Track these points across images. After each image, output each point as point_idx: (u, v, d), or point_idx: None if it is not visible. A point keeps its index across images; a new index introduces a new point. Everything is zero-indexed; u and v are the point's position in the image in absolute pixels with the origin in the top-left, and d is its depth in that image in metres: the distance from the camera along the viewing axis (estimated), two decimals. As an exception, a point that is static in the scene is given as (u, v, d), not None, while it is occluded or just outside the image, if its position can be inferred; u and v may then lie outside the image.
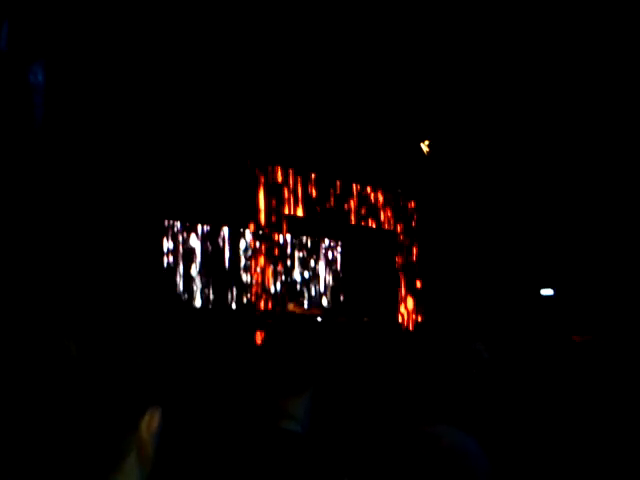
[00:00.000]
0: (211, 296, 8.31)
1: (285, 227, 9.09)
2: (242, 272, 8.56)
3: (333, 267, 10.28)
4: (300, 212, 9.36)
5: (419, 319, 10.76)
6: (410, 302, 10.82)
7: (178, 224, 7.91)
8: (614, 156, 9.68)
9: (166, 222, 7.79)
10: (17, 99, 6.22)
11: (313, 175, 9.57)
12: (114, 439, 0.91)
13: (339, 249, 10.38)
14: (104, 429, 0.90)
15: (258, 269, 8.63)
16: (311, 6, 7.41)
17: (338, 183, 9.94)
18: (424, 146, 10.56)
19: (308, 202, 9.49)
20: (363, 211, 10.35)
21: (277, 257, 8.93)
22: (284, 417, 1.74)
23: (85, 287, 5.92)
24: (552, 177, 10.35)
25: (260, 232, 8.71)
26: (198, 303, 8.12)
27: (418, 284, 10.92)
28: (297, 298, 8.67)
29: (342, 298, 10.29)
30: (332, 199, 9.85)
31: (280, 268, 8.98)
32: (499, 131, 10.13)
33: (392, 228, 10.80)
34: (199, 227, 8.18)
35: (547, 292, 10.80)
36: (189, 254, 8.05)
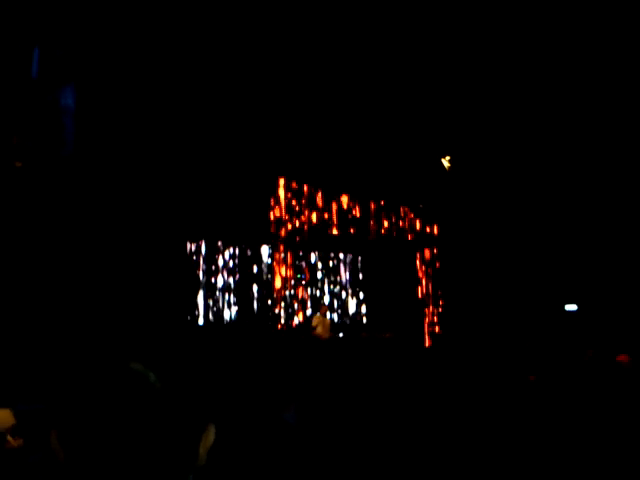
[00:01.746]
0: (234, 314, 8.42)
1: (306, 243, 9.18)
2: (264, 289, 8.65)
3: (354, 282, 10.33)
4: (321, 228, 9.44)
5: (440, 334, 10.74)
6: (433, 317, 10.81)
7: (203, 245, 8.06)
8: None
9: (197, 243, 7.93)
10: (48, 122, 6.39)
11: (333, 191, 9.65)
12: (179, 451, 1.00)
13: (360, 264, 10.44)
14: (172, 443, 0.99)
15: (279, 285, 8.72)
16: (334, 25, 7.53)
17: (359, 199, 10.00)
18: (445, 162, 10.60)
19: (329, 218, 9.57)
20: (384, 227, 10.40)
21: (299, 274, 9.01)
22: (284, 411, 2.06)
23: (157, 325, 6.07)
24: (577, 192, 10.32)
25: (281, 248, 8.81)
26: (226, 319, 8.24)
27: (441, 299, 10.92)
28: (321, 309, 8.63)
29: (365, 314, 10.33)
30: (354, 215, 9.92)
31: (302, 284, 9.08)
32: (522, 148, 10.13)
33: (414, 243, 10.83)
34: (222, 246, 8.31)
35: (571, 308, 10.73)
36: (215, 273, 8.18)
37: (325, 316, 8.46)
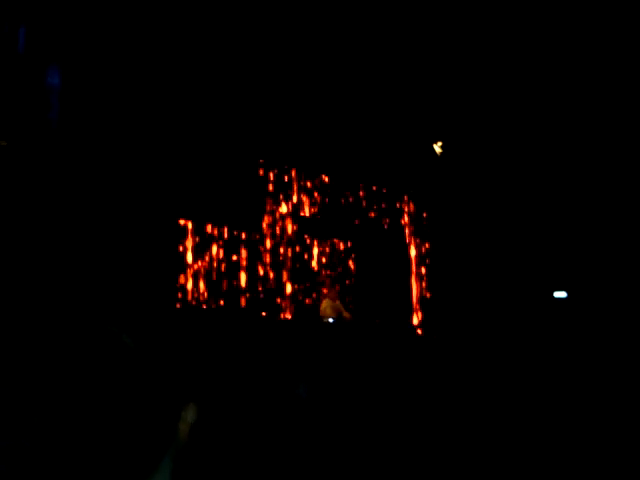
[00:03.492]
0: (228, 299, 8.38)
1: (295, 228, 9.13)
2: (248, 273, 8.60)
3: (345, 268, 10.29)
4: (309, 213, 9.38)
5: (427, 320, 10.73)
6: (420, 304, 10.79)
7: (190, 225, 7.99)
8: (626, 158, 9.62)
9: (181, 223, 7.86)
10: (34, 101, 6.32)
11: (323, 176, 9.59)
12: (157, 427, 0.96)
13: (351, 250, 10.39)
14: (151, 416, 0.95)
15: (265, 271, 8.67)
16: (317, 10, 7.47)
17: (349, 184, 9.94)
18: (437, 147, 10.54)
19: (317, 203, 9.51)
20: (374, 212, 10.35)
21: (288, 258, 8.96)
22: (297, 386, 2.42)
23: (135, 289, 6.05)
24: (565, 177, 10.29)
25: (269, 233, 8.76)
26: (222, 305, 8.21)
27: (428, 285, 10.90)
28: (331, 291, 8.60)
29: (354, 299, 10.30)
30: (343, 200, 9.86)
31: (290, 268, 9.02)
32: (511, 132, 10.10)
33: (404, 229, 10.79)
34: (209, 228, 8.23)
35: (560, 295, 10.71)
36: (201, 255, 8.12)
37: (335, 299, 8.49)
